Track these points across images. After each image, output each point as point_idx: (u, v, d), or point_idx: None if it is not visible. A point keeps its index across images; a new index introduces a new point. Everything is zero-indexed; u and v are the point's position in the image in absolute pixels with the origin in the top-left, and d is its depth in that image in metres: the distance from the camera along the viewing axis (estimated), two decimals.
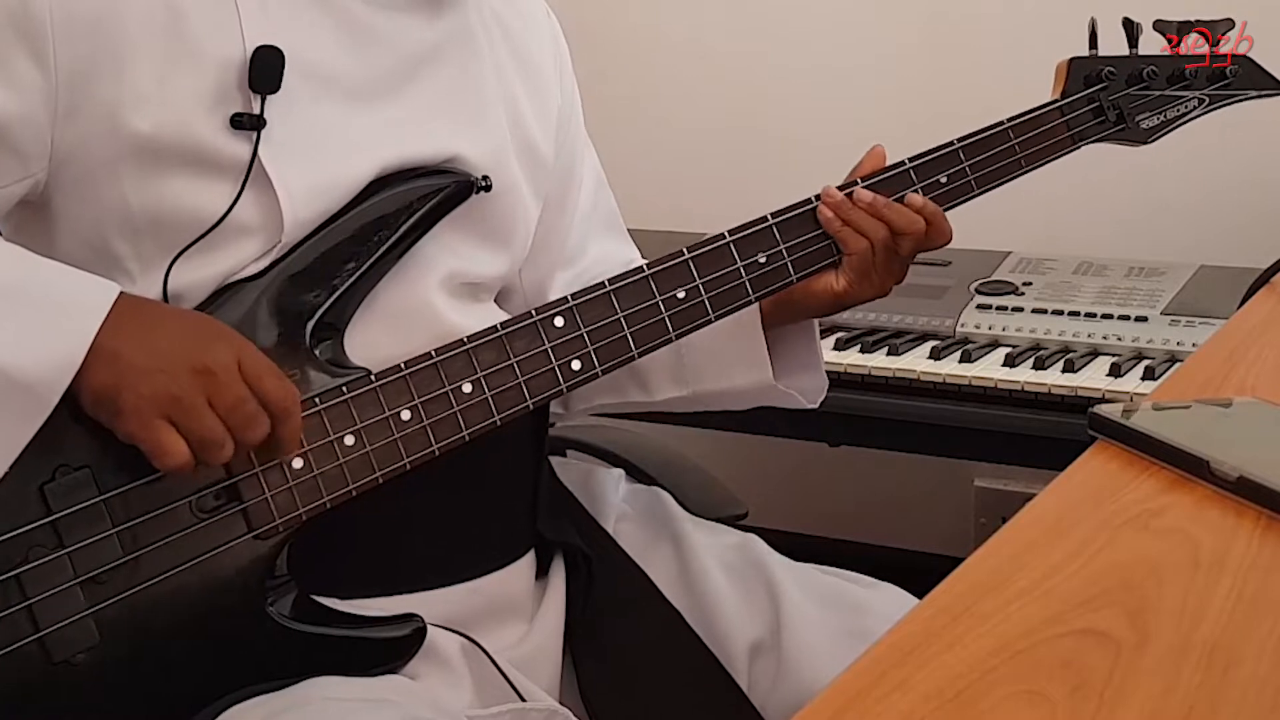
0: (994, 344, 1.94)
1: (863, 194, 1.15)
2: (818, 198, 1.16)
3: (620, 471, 1.34)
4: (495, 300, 1.17)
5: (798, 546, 1.29)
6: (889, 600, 1.17)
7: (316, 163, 1.02)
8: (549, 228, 1.23)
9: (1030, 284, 2.04)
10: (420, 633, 1.02)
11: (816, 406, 1.26)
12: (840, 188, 1.16)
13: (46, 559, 0.91)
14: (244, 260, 1.00)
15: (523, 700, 1.04)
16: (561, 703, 1.08)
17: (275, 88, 1.00)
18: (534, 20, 1.24)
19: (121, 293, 0.93)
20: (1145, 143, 1.28)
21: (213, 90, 0.99)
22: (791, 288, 1.17)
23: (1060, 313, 1.96)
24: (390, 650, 1.01)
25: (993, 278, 2.07)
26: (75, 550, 0.92)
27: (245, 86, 0.99)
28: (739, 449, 2.33)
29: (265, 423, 0.93)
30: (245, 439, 0.93)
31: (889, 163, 1.18)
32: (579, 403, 1.30)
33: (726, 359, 1.22)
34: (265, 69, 0.99)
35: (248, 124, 0.99)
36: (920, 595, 0.71)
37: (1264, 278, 1.37)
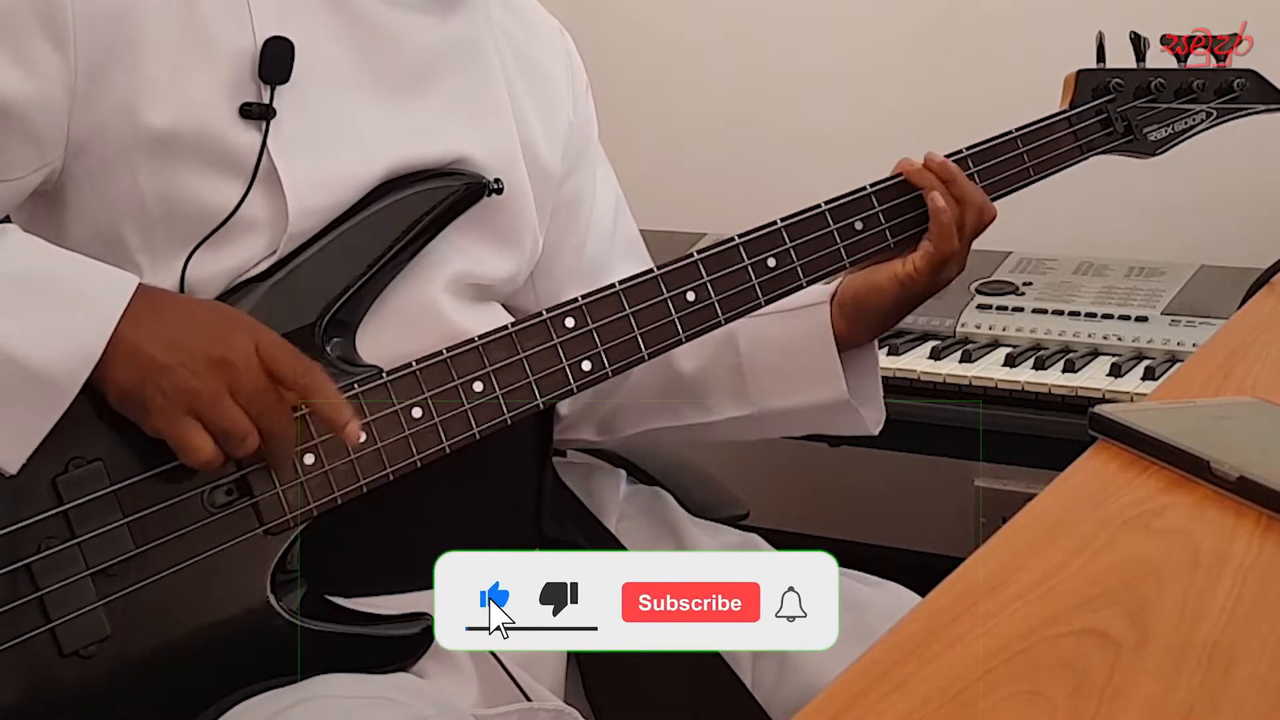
0: (994, 344, 1.94)
1: (934, 155, 1.15)
2: (828, 203, 1.15)
3: (621, 472, 1.34)
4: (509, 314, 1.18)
5: (798, 546, 1.29)
6: (892, 599, 1.17)
7: (324, 156, 1.02)
8: (560, 240, 1.23)
9: (1030, 284, 2.04)
10: (428, 632, 1.02)
11: (876, 434, 1.25)
12: (851, 193, 1.16)
13: (58, 550, 0.91)
14: (255, 255, 1.01)
15: (529, 700, 1.04)
16: (567, 702, 1.08)
17: (285, 78, 1.00)
18: (546, 37, 1.25)
19: (140, 284, 0.94)
20: (1153, 155, 1.29)
21: (226, 82, 0.99)
22: (854, 289, 1.17)
23: (1060, 313, 1.96)
24: (398, 649, 1.02)
25: (993, 278, 2.07)
26: (86, 542, 0.92)
27: (256, 77, 1.00)
28: (739, 449, 2.32)
29: (287, 410, 0.94)
30: (269, 428, 0.94)
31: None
32: (626, 426, 1.29)
33: (797, 375, 1.20)
34: (275, 59, 1.00)
35: (257, 113, 0.99)
36: (921, 595, 0.71)
37: (1264, 278, 1.37)
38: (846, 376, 1.20)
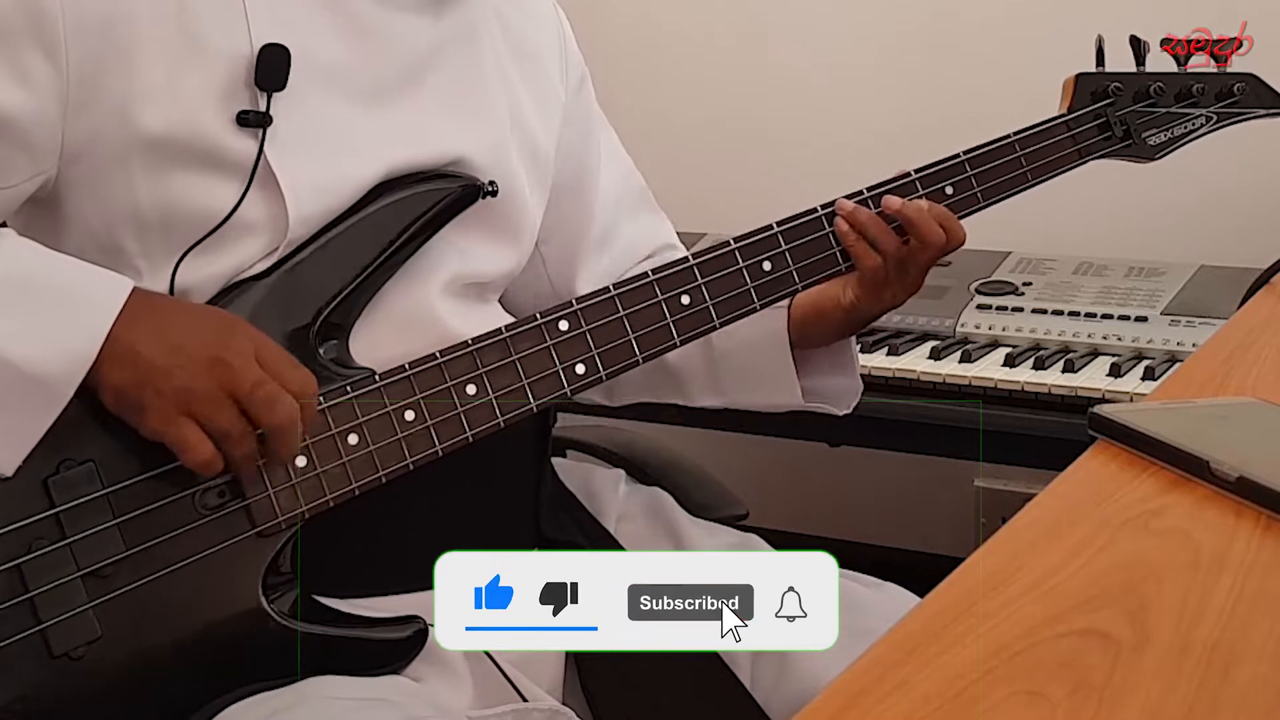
0: (994, 344, 1.94)
1: (891, 200, 1.15)
2: (824, 207, 1.16)
3: (620, 472, 1.34)
4: (520, 297, 1.18)
5: (798, 546, 1.29)
6: (892, 600, 1.17)
7: (322, 161, 1.02)
8: (565, 214, 1.24)
9: (1030, 284, 2.04)
10: (422, 634, 1.02)
11: (849, 411, 1.27)
12: (849, 197, 1.16)
13: (48, 551, 0.91)
14: (251, 258, 1.00)
15: (525, 701, 1.04)
16: (564, 703, 1.08)
17: (281, 85, 1.00)
18: (539, 16, 1.25)
19: (135, 287, 0.93)
20: (1152, 159, 1.28)
21: (221, 88, 0.99)
22: (803, 310, 1.19)
23: (1060, 313, 1.96)
24: (392, 651, 1.02)
25: (993, 278, 2.07)
26: (77, 543, 0.92)
27: (252, 84, 1.00)
28: (739, 449, 2.33)
29: (288, 402, 0.94)
30: (269, 421, 0.93)
31: (893, 167, 1.19)
32: (624, 395, 1.31)
33: (757, 377, 1.23)
34: (271, 66, 1.00)
35: (254, 121, 0.99)
36: (921, 595, 0.71)
37: (1264, 278, 1.37)
38: (817, 367, 1.23)
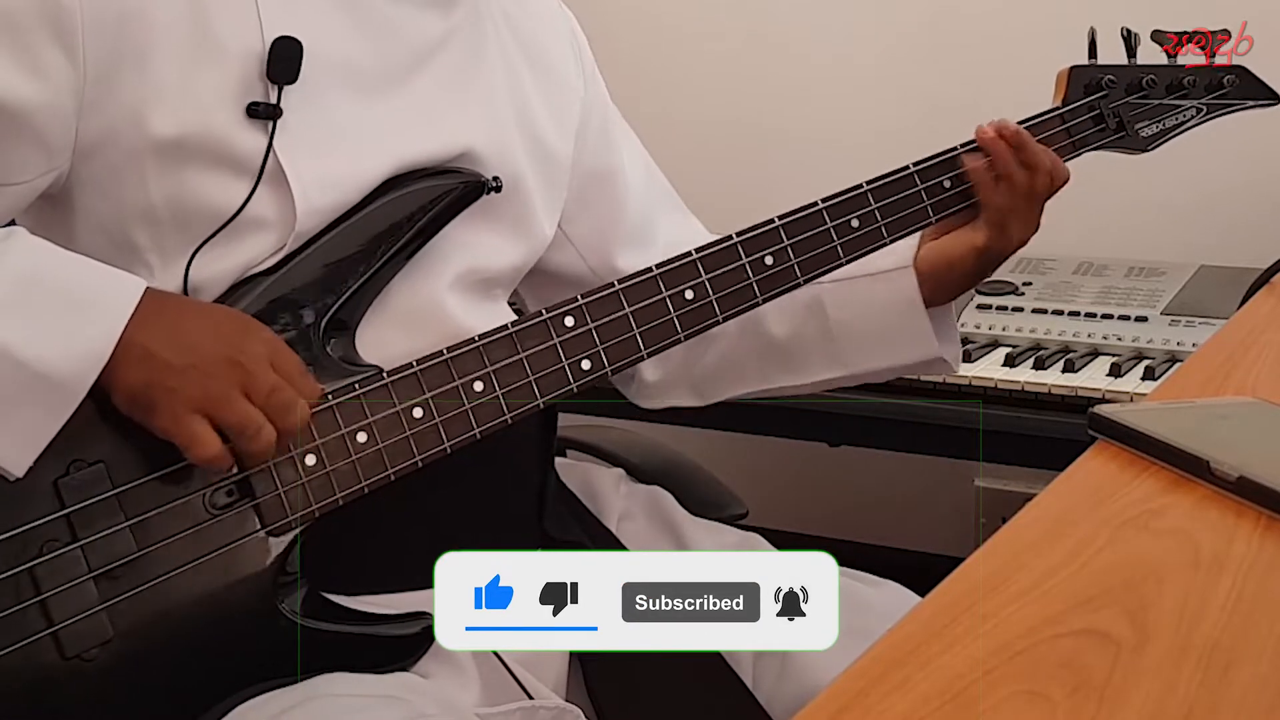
0: (994, 344, 1.94)
1: (1007, 125, 1.18)
2: (824, 201, 1.16)
3: (620, 471, 1.34)
4: (565, 290, 1.19)
5: (798, 546, 1.29)
6: (892, 599, 1.18)
7: (331, 155, 1.02)
8: (601, 212, 1.25)
9: (1030, 284, 2.04)
10: (429, 631, 1.02)
11: (959, 370, 1.31)
12: (846, 192, 1.16)
13: (60, 553, 0.91)
14: (261, 253, 1.01)
15: (531, 699, 1.05)
16: (569, 701, 1.08)
17: (293, 78, 1.00)
18: (547, 17, 1.25)
19: (148, 288, 0.93)
20: (1145, 150, 1.30)
21: (234, 83, 0.99)
22: (931, 265, 1.19)
23: (1060, 313, 1.96)
24: (399, 648, 1.02)
25: (992, 277, 2.07)
26: (89, 544, 0.92)
27: (264, 77, 1.00)
28: (739, 449, 2.33)
29: (302, 408, 0.94)
30: (283, 425, 0.94)
31: (893, 166, 1.19)
32: (719, 391, 1.31)
33: (888, 340, 1.24)
34: (283, 59, 1.00)
35: (264, 113, 0.99)
36: (921, 595, 0.71)
37: (1264, 278, 1.37)
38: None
